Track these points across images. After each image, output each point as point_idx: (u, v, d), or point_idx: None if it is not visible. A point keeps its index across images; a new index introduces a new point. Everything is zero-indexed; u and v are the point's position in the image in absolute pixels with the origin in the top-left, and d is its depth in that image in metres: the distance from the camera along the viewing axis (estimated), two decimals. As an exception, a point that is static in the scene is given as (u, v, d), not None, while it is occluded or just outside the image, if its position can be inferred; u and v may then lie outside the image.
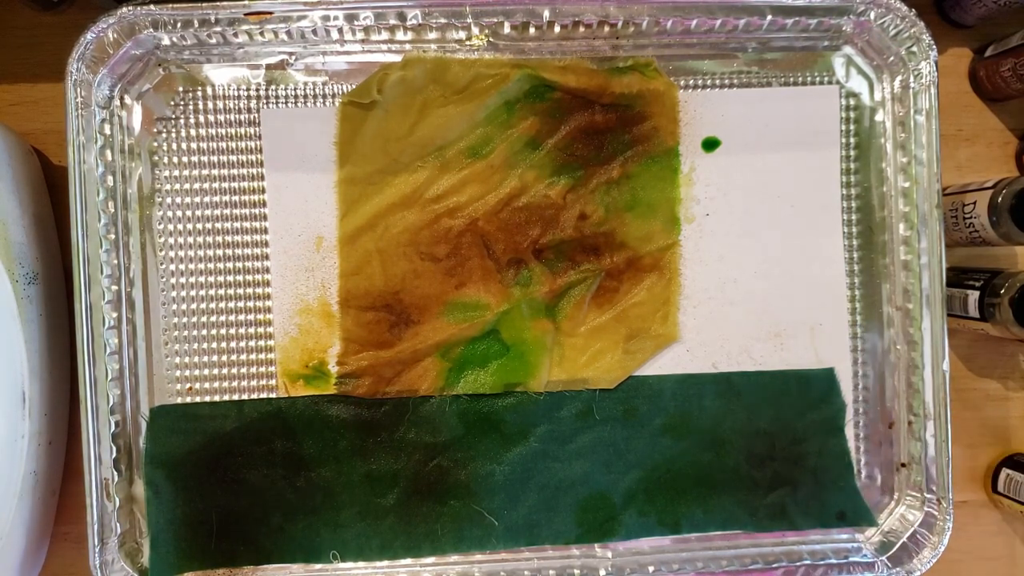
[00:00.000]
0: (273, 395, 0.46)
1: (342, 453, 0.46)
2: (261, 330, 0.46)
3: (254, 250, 0.46)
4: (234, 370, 0.46)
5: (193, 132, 0.46)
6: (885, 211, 0.48)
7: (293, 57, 0.46)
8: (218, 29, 0.44)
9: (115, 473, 0.44)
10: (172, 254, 0.46)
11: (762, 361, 0.48)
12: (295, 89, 0.46)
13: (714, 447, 0.47)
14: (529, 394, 0.46)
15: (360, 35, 0.45)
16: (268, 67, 0.46)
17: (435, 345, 0.46)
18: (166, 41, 0.44)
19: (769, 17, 0.45)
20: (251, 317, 0.46)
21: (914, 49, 0.46)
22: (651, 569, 0.46)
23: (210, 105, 0.46)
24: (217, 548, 0.45)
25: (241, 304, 0.46)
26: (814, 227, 0.48)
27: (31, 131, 0.48)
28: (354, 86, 0.46)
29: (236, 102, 0.46)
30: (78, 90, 0.43)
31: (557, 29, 0.45)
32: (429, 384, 0.46)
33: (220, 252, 0.46)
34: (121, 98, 0.45)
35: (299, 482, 0.45)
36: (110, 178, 0.45)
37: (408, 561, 0.46)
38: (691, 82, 0.47)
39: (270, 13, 0.43)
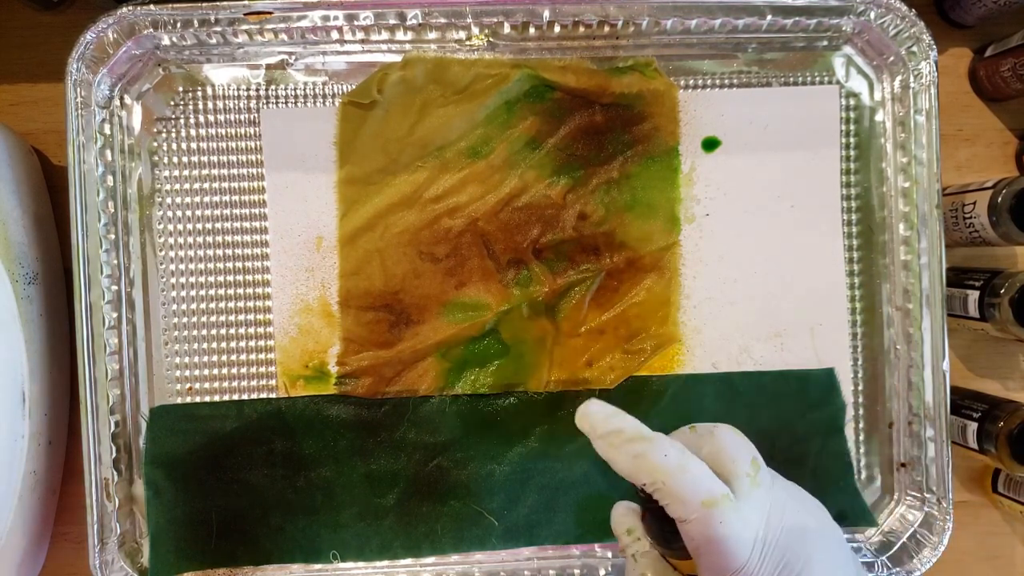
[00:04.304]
0: (273, 395, 0.46)
1: (342, 453, 0.46)
2: (261, 330, 0.46)
3: (254, 250, 0.46)
4: (234, 370, 0.46)
5: (193, 132, 0.46)
6: (885, 211, 0.48)
7: (293, 57, 0.46)
8: (218, 29, 0.44)
9: (115, 473, 0.44)
10: (172, 254, 0.46)
11: (762, 361, 0.48)
12: (295, 89, 0.46)
13: (714, 447, 0.47)
14: (529, 394, 0.46)
15: (360, 35, 0.45)
16: (268, 67, 0.46)
17: (435, 345, 0.46)
18: (166, 41, 0.44)
19: (769, 17, 0.45)
20: (251, 317, 0.46)
21: (914, 49, 0.46)
22: (651, 569, 0.46)
23: (210, 105, 0.46)
24: (217, 548, 0.45)
25: (241, 304, 0.46)
26: (814, 227, 0.48)
27: (31, 131, 0.48)
28: (354, 86, 0.46)
29: (236, 102, 0.46)
30: (78, 90, 0.43)
31: (557, 29, 0.45)
32: (429, 384, 0.46)
33: (220, 252, 0.46)
34: (121, 98, 0.45)
35: (299, 482, 0.45)
36: (110, 178, 0.45)
37: (408, 561, 0.46)
38: (691, 82, 0.47)
39: (270, 13, 0.43)
